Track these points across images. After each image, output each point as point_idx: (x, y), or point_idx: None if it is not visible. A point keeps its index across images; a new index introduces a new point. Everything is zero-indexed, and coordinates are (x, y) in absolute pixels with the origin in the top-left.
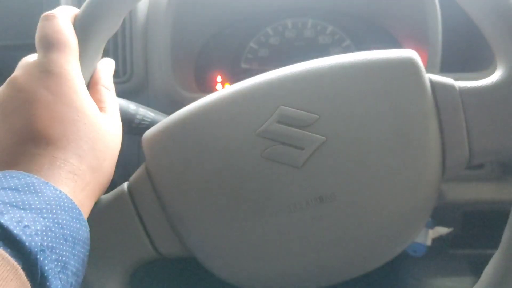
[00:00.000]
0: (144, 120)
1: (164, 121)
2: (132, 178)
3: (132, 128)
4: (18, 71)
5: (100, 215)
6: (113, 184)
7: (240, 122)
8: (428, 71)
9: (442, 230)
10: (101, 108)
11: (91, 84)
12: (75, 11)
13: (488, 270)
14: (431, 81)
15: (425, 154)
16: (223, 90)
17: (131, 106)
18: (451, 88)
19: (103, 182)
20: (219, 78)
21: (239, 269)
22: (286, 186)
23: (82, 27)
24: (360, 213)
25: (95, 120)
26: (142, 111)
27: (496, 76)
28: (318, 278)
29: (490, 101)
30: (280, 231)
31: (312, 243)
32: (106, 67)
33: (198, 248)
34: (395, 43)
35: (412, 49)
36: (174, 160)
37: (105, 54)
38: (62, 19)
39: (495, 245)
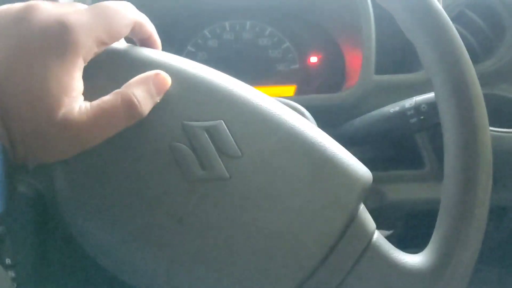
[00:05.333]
0: None
1: None
2: None
3: None
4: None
5: None
6: None
7: (180, 103)
8: (362, 71)
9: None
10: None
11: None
12: None
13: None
14: (356, 213)
15: (302, 256)
16: (198, 65)
17: None
18: (364, 234)
19: None
20: None
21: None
22: (163, 186)
23: None
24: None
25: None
26: None
27: (412, 259)
28: None
29: (386, 277)
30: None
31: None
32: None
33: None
34: (334, 45)
35: (348, 49)
36: None
37: None
38: None
39: None
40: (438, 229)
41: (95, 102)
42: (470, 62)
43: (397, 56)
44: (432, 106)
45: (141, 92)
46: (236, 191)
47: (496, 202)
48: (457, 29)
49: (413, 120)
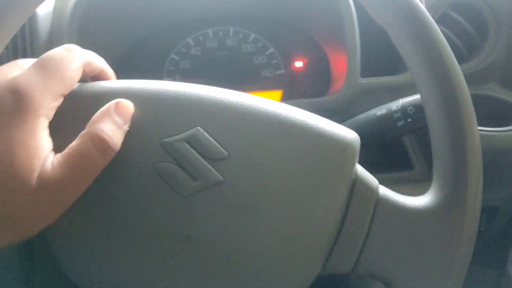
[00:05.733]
0: None
1: None
2: None
3: None
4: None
5: None
6: None
7: (152, 123)
8: (348, 75)
9: None
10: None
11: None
12: None
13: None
14: (356, 175)
15: (317, 237)
16: (155, 83)
17: None
18: (370, 191)
19: None
20: None
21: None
22: (160, 209)
23: None
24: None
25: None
26: None
27: (421, 200)
28: None
29: (403, 224)
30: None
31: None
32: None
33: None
34: (318, 49)
35: (333, 53)
36: None
37: None
38: None
39: None
40: (436, 165)
41: (65, 151)
42: (455, 62)
43: (382, 58)
44: (419, 108)
45: (107, 125)
46: (235, 191)
47: (486, 202)
48: (441, 30)
49: (400, 123)
